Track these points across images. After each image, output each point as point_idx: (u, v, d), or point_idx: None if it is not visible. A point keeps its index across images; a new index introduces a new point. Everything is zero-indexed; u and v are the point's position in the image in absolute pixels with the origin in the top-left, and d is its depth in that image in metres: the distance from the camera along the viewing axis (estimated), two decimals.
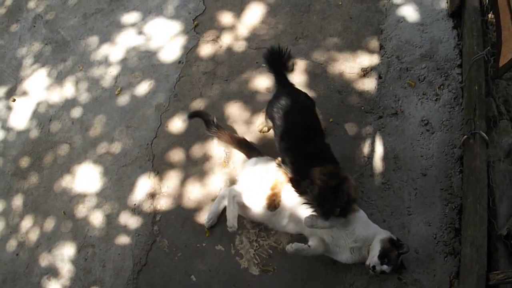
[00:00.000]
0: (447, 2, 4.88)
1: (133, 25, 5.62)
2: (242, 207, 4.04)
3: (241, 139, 4.43)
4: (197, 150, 4.63)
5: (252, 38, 5.15)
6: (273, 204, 3.88)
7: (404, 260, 3.71)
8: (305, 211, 3.70)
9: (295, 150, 3.71)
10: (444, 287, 3.78)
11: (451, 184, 4.12)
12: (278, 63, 4.15)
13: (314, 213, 3.58)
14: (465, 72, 4.42)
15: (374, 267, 3.52)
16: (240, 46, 5.12)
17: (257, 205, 3.96)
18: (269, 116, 4.03)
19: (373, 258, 3.54)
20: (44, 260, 4.60)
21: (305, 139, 3.70)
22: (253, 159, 4.22)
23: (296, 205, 3.83)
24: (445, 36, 4.75)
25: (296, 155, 3.69)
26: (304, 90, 4.50)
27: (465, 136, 4.05)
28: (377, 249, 3.56)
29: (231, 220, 3.95)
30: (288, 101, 3.87)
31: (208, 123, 4.39)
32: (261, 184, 3.96)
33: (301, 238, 3.95)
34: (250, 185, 4.02)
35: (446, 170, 4.18)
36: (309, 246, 3.72)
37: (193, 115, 4.53)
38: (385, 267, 3.51)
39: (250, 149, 4.35)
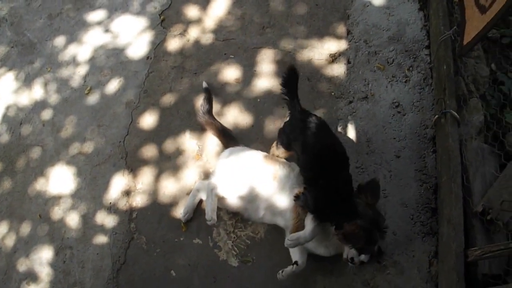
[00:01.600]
0: None
1: (99, 23, 5.57)
2: (219, 197, 4.03)
3: (222, 128, 4.44)
4: (169, 145, 4.62)
5: (219, 30, 5.14)
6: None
7: (381, 244, 3.71)
8: (282, 203, 3.76)
9: (319, 185, 3.53)
10: (424, 267, 3.81)
11: (425, 165, 4.15)
12: (295, 86, 3.87)
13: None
14: (433, 52, 4.45)
15: (352, 259, 3.51)
16: (207, 38, 5.11)
17: (233, 196, 3.96)
18: (286, 143, 3.91)
19: (350, 250, 3.54)
20: (22, 265, 4.55)
21: (332, 172, 3.52)
22: (227, 150, 4.22)
23: (272, 197, 3.84)
24: (411, 18, 4.78)
25: (320, 192, 3.53)
26: (273, 79, 4.52)
27: (436, 116, 4.09)
28: None
29: (210, 213, 3.92)
30: (313, 128, 3.67)
31: (208, 109, 4.49)
32: (237, 174, 3.95)
33: (277, 227, 3.98)
34: (225, 176, 4.01)
35: (419, 151, 4.21)
36: (297, 265, 3.73)
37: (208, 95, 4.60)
38: (362, 256, 3.50)
39: (228, 139, 4.36)
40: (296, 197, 3.69)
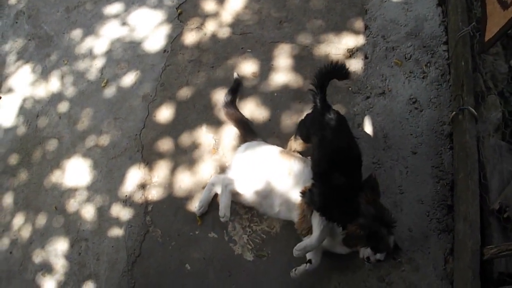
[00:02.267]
0: None
1: (116, 16, 5.58)
2: (235, 193, 4.03)
3: (243, 119, 4.45)
4: (185, 139, 4.62)
5: (236, 24, 5.13)
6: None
7: (397, 240, 3.69)
8: (296, 199, 3.75)
9: (328, 183, 3.50)
10: (439, 264, 3.79)
11: (441, 161, 4.12)
12: (327, 81, 3.80)
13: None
14: (451, 48, 4.42)
15: (368, 258, 3.50)
16: (224, 32, 5.10)
17: (249, 191, 3.95)
18: (305, 135, 3.89)
19: (365, 250, 3.53)
20: (38, 257, 4.57)
21: (343, 171, 3.47)
22: (243, 145, 4.21)
23: (287, 192, 3.83)
24: (429, 14, 4.75)
25: (327, 190, 3.50)
26: (290, 73, 4.51)
27: (454, 113, 4.06)
28: None
29: (223, 209, 3.93)
30: (332, 125, 3.64)
31: (232, 99, 4.52)
32: (253, 169, 3.96)
33: (292, 222, 3.93)
34: (242, 171, 4.02)
35: (436, 147, 4.18)
36: (311, 263, 3.71)
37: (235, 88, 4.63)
38: (378, 255, 3.48)
39: (247, 132, 4.36)
40: (303, 193, 3.67)
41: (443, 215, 3.93)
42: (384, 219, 3.41)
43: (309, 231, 3.77)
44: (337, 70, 3.73)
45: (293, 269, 3.77)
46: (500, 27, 3.35)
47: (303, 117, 4.00)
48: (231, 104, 4.49)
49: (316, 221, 3.58)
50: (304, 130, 3.89)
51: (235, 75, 4.69)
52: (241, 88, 4.66)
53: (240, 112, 4.48)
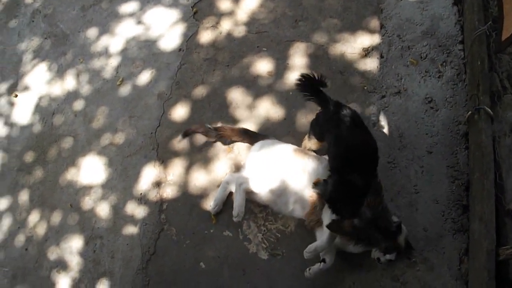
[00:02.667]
0: None
1: (131, 15, 5.59)
2: (249, 192, 4.04)
3: (241, 130, 4.41)
4: (201, 137, 4.61)
5: (251, 22, 5.13)
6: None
7: (412, 239, 3.70)
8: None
9: (341, 177, 3.52)
10: (454, 264, 3.78)
11: (457, 161, 4.11)
12: (313, 87, 3.80)
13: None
14: (467, 48, 4.41)
15: (378, 259, 3.51)
16: (240, 31, 5.11)
17: (263, 189, 3.96)
18: (318, 133, 3.90)
19: (375, 251, 3.53)
20: (53, 254, 4.60)
21: (358, 167, 3.48)
22: (258, 144, 4.21)
23: (302, 191, 3.84)
24: (445, 13, 4.73)
25: (339, 183, 3.51)
26: (306, 72, 4.50)
27: (470, 112, 4.04)
28: None
29: (237, 208, 3.98)
30: (347, 118, 3.63)
31: (206, 133, 4.48)
32: (268, 168, 3.96)
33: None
34: (256, 170, 4.02)
35: (451, 147, 4.17)
36: (325, 262, 3.72)
37: (186, 134, 4.57)
38: (388, 256, 3.50)
39: (253, 137, 4.34)
40: (316, 184, 3.69)
41: (458, 215, 3.92)
42: (379, 225, 3.43)
43: (317, 223, 3.84)
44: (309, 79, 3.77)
45: (307, 269, 3.77)
46: None
47: (315, 116, 3.98)
48: (216, 130, 4.43)
49: (326, 220, 3.61)
50: (317, 128, 3.89)
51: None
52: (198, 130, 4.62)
53: (231, 127, 4.45)
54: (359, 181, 3.42)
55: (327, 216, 3.61)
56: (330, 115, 3.69)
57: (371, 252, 3.59)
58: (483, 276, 3.36)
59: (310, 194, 3.79)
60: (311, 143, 4.02)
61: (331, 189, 3.49)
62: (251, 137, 4.35)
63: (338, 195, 3.48)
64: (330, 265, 3.71)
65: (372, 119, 4.40)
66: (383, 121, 4.36)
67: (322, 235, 3.66)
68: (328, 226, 3.49)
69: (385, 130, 4.34)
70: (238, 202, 3.99)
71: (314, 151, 4.09)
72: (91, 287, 4.37)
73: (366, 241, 3.44)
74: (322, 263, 3.71)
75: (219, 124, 4.55)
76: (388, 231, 3.43)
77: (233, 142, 4.54)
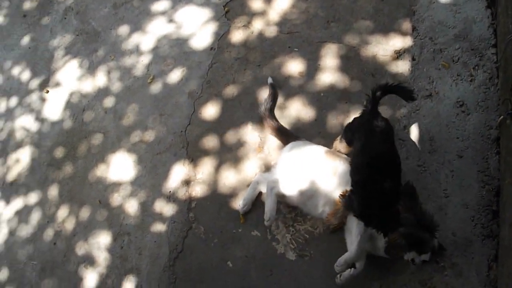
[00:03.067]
0: None
1: (163, 13, 5.61)
2: (280, 195, 4.04)
3: (278, 125, 4.40)
4: (231, 136, 4.63)
5: (283, 22, 5.12)
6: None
7: (441, 242, 3.66)
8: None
9: (368, 190, 3.47)
10: (483, 271, 3.74)
11: (488, 166, 4.07)
12: (385, 93, 3.72)
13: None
14: (500, 51, 4.36)
15: (413, 260, 3.48)
16: (271, 31, 5.10)
17: (294, 191, 3.95)
18: (349, 138, 3.87)
19: (410, 252, 3.50)
20: (81, 249, 4.64)
21: (383, 180, 3.44)
22: (289, 145, 4.20)
23: (332, 193, 3.82)
24: (478, 16, 4.69)
25: (367, 197, 3.46)
26: (337, 74, 4.50)
27: (502, 117, 4.00)
28: None
29: (268, 213, 3.96)
30: (377, 133, 3.63)
31: (271, 107, 4.48)
32: (298, 169, 3.95)
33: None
34: (287, 171, 4.01)
35: (482, 152, 4.13)
36: (355, 267, 3.72)
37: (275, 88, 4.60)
38: (423, 256, 3.46)
39: (286, 136, 4.34)
40: (343, 196, 3.66)
41: (488, 220, 3.88)
42: (425, 224, 3.41)
43: (336, 227, 3.90)
44: (404, 90, 3.70)
45: (338, 275, 3.76)
46: None
47: (350, 121, 3.97)
48: (270, 111, 4.45)
49: (354, 232, 3.63)
50: (349, 133, 3.86)
51: (269, 80, 4.67)
52: (277, 92, 4.64)
53: (276, 121, 4.44)
54: (386, 190, 3.39)
55: (354, 232, 3.62)
56: (365, 122, 3.69)
57: (404, 254, 3.56)
58: None
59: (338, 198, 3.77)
60: (341, 146, 4.00)
61: (359, 205, 3.47)
62: (283, 135, 4.35)
63: (368, 209, 3.45)
64: (360, 270, 3.70)
65: (403, 122, 4.36)
66: (414, 124, 4.33)
67: (351, 246, 3.66)
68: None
69: (416, 133, 4.31)
70: (270, 207, 3.97)
71: (344, 154, 4.07)
72: (118, 283, 4.40)
73: (419, 245, 3.41)
74: (352, 268, 3.70)
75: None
76: (433, 228, 3.43)
77: (265, 131, 4.57)
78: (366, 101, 3.78)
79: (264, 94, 4.69)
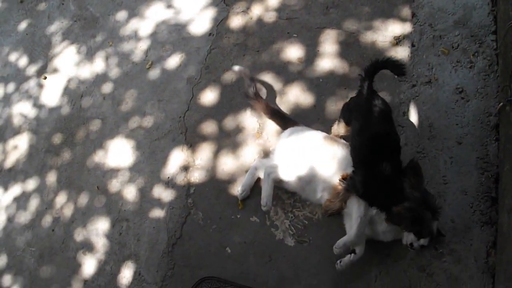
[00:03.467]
0: None
1: None
2: (278, 180, 4.04)
3: (274, 109, 4.39)
4: (230, 122, 4.62)
5: (282, 8, 5.10)
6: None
7: (440, 229, 3.66)
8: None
9: (370, 169, 3.50)
10: (481, 257, 3.73)
11: (487, 153, 4.06)
12: (378, 69, 3.79)
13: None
14: (500, 38, 4.34)
15: (411, 244, 3.47)
16: (270, 16, 5.08)
17: (292, 177, 3.94)
18: (347, 118, 3.89)
19: (408, 236, 3.49)
20: (79, 235, 4.63)
21: (384, 158, 3.47)
22: (287, 130, 4.19)
23: (330, 178, 3.81)
24: (478, 3, 4.66)
25: (370, 176, 3.50)
26: (336, 60, 4.48)
27: (501, 104, 3.98)
28: None
29: (265, 198, 3.98)
30: (375, 112, 3.65)
31: (249, 86, 4.39)
32: (297, 154, 3.94)
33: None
34: (285, 156, 4.01)
35: (481, 138, 4.11)
36: (355, 253, 3.70)
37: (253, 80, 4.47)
38: (422, 241, 3.44)
39: (285, 120, 4.32)
40: (343, 179, 3.66)
41: (487, 207, 3.87)
42: (429, 204, 3.40)
43: (334, 213, 3.85)
44: (395, 65, 3.74)
45: (338, 261, 3.73)
46: None
47: (347, 100, 4.00)
48: (258, 95, 4.40)
49: (354, 215, 3.62)
50: (347, 113, 3.88)
51: (236, 68, 4.56)
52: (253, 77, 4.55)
53: (267, 103, 4.41)
54: (388, 168, 3.40)
55: (354, 214, 3.61)
56: (362, 101, 3.69)
57: (403, 238, 3.56)
58: (510, 269, 3.31)
59: (337, 182, 3.76)
60: (340, 127, 4.00)
61: (362, 185, 3.47)
62: (281, 119, 4.33)
63: (371, 188, 3.46)
64: (361, 255, 3.68)
65: (402, 108, 4.35)
66: (413, 110, 4.32)
67: (351, 229, 3.65)
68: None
69: (415, 119, 4.30)
70: (266, 192, 3.99)
71: (343, 136, 4.07)
72: (117, 269, 4.39)
73: (420, 223, 3.40)
74: (352, 254, 3.68)
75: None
76: (436, 209, 3.41)
77: (260, 115, 4.56)
78: (360, 80, 3.80)
79: (263, 79, 4.70)
